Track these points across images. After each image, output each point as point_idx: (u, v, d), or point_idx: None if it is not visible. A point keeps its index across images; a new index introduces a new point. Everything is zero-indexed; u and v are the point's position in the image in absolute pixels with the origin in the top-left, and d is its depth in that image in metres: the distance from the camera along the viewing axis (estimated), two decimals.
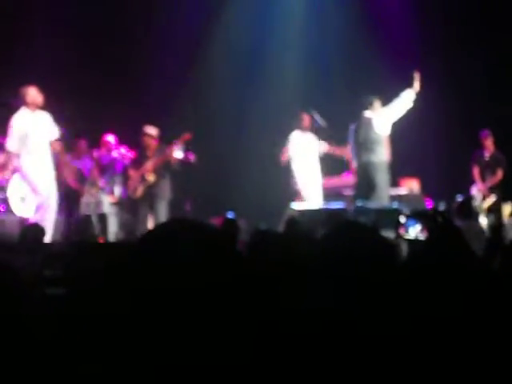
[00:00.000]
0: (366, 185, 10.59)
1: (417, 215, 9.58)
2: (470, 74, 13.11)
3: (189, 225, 1.80)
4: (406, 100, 10.76)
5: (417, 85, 10.77)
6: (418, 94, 10.80)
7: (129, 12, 13.80)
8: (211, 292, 1.69)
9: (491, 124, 12.61)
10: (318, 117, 11.88)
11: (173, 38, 13.98)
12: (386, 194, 10.68)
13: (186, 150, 11.29)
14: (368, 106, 10.74)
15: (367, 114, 10.76)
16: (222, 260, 1.73)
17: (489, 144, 12.66)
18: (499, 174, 12.48)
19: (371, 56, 13.84)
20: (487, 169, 12.56)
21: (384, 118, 10.75)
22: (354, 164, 11.09)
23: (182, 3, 14.30)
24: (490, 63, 13.25)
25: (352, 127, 10.92)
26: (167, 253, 1.73)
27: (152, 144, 11.21)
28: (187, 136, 11.10)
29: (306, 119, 11.93)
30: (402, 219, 9.45)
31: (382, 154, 10.67)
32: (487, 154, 12.70)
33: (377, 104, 10.74)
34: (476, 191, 12.40)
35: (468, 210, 9.83)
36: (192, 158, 11.33)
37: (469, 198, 10.79)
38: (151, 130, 11.26)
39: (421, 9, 14.03)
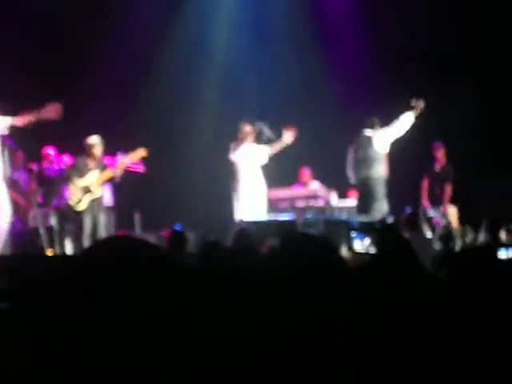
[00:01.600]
0: (365, 199, 11.24)
1: (366, 229, 9.67)
2: (415, 87, 13.21)
3: (127, 243, 1.79)
4: (405, 122, 11.36)
5: (418, 110, 11.33)
6: (417, 118, 11.36)
7: (76, 19, 13.66)
8: (147, 309, 1.68)
9: (438, 136, 12.71)
10: (266, 129, 11.80)
11: (122, 47, 13.88)
12: (384, 206, 11.17)
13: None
14: (370, 125, 11.37)
15: (367, 132, 11.37)
16: (159, 277, 1.72)
17: (439, 155, 12.64)
18: (448, 188, 12.50)
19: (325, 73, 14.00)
20: (436, 181, 12.57)
21: (384, 137, 11.34)
22: (352, 180, 11.66)
23: (131, 13, 14.20)
24: (435, 79, 13.37)
25: (352, 145, 11.51)
26: (105, 271, 1.72)
27: (96, 154, 11.12)
28: (142, 153, 11.06)
29: (246, 130, 11.85)
30: (353, 233, 9.51)
31: (381, 170, 11.27)
32: (438, 166, 12.69)
33: (377, 124, 11.37)
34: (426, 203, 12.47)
35: (416, 222, 9.91)
36: (141, 169, 11.31)
37: (417, 210, 10.87)
38: (95, 140, 11.16)
39: (363, 23, 14.19)
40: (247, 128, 11.80)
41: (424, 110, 11.37)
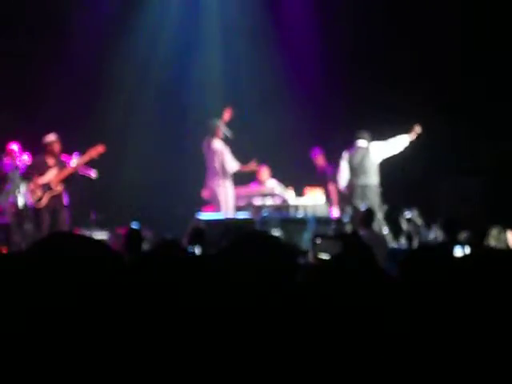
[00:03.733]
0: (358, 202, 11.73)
1: (326, 237, 9.74)
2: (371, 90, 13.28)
3: (71, 240, 1.77)
4: (400, 143, 12.15)
5: (413, 135, 12.12)
6: (411, 143, 12.15)
7: (30, 16, 13.56)
8: (89, 306, 1.65)
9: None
10: (224, 128, 11.95)
11: (78, 44, 13.79)
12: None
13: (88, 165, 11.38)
14: (363, 137, 12.06)
15: (362, 143, 12.07)
16: (104, 275, 1.70)
17: (318, 161, 12.62)
18: (331, 188, 12.57)
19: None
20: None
21: (380, 149, 12.13)
22: (341, 185, 12.13)
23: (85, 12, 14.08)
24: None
25: (346, 153, 12.09)
26: (49, 268, 1.69)
27: (55, 151, 11.13)
28: (100, 149, 11.09)
29: (218, 128, 11.98)
30: (318, 240, 9.54)
31: (376, 178, 12.07)
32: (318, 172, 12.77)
33: (369, 137, 12.10)
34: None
35: (371, 219, 10.03)
36: (93, 174, 11.37)
37: (371, 208, 10.97)
38: (52, 138, 11.16)
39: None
40: (217, 126, 11.90)
41: (420, 135, 12.09)
